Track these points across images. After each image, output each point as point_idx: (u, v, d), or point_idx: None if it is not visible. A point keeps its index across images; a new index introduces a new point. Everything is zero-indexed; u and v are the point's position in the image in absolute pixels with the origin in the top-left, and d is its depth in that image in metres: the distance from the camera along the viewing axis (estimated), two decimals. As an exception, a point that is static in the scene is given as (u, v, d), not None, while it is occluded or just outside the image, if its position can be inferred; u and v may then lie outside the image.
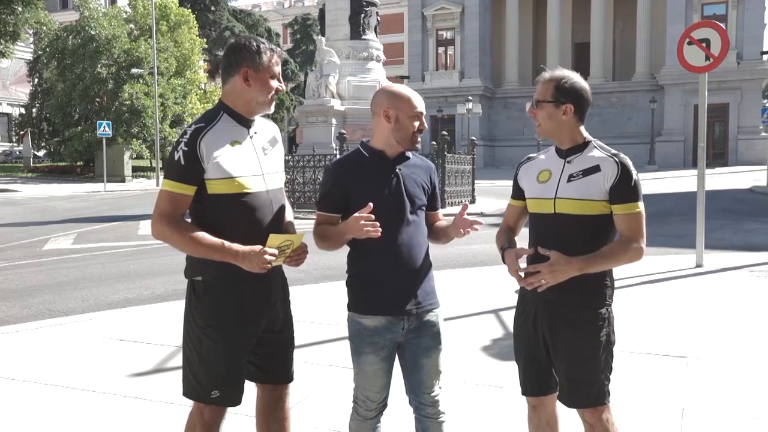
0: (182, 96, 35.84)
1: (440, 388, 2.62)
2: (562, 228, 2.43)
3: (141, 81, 34.03)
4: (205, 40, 41.18)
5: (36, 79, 42.27)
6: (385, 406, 2.63)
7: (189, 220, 2.47)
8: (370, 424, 2.62)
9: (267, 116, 2.67)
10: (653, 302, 6.53)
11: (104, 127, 28.05)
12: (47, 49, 36.71)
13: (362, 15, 19.86)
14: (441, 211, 2.75)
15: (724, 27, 8.86)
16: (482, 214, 15.75)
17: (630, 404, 3.81)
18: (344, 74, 19.44)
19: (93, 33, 34.15)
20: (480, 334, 5.43)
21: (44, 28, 35.85)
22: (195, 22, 38.81)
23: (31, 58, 43.92)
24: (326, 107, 18.85)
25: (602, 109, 40.59)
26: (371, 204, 2.38)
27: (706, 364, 4.63)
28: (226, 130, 2.47)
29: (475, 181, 19.53)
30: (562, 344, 2.46)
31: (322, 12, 21.42)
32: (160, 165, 32.64)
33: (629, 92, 42.18)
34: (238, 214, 2.44)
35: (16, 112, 48.76)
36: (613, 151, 2.47)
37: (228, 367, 2.48)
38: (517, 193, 2.65)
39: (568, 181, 2.45)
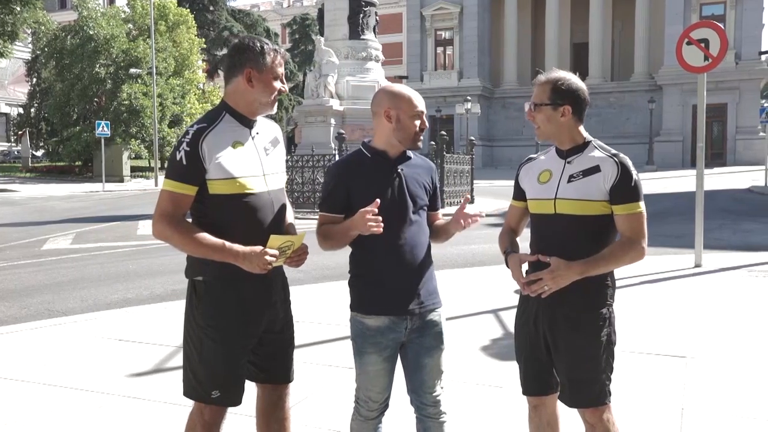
0: (181, 96, 35.84)
1: (442, 388, 2.62)
2: (563, 228, 2.44)
3: (139, 81, 34.02)
4: (203, 40, 41.18)
5: (34, 79, 42.21)
6: (386, 406, 2.63)
7: (190, 219, 2.48)
8: (372, 424, 2.61)
9: (268, 116, 2.67)
10: (652, 302, 6.53)
11: (103, 127, 28.01)
12: (45, 49, 36.67)
13: (361, 15, 19.85)
14: (440, 211, 2.76)
15: (722, 27, 8.86)
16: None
17: (629, 404, 3.81)
18: (343, 74, 19.43)
19: (91, 33, 34.12)
20: (479, 334, 5.43)
21: (42, 27, 35.81)
22: (193, 21, 38.78)
23: (30, 58, 43.87)
24: (325, 107, 18.84)
25: (601, 110, 40.62)
26: (378, 200, 2.39)
27: (706, 363, 4.63)
28: (228, 131, 2.47)
29: (474, 181, 19.55)
30: (563, 344, 2.46)
31: (320, 12, 21.38)
32: (159, 165, 32.63)
33: (628, 92, 42.21)
34: (240, 215, 2.44)
35: (14, 111, 48.69)
36: (613, 151, 2.47)
37: (228, 367, 2.48)
38: (519, 194, 2.65)
39: (569, 181, 2.45)
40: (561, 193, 2.45)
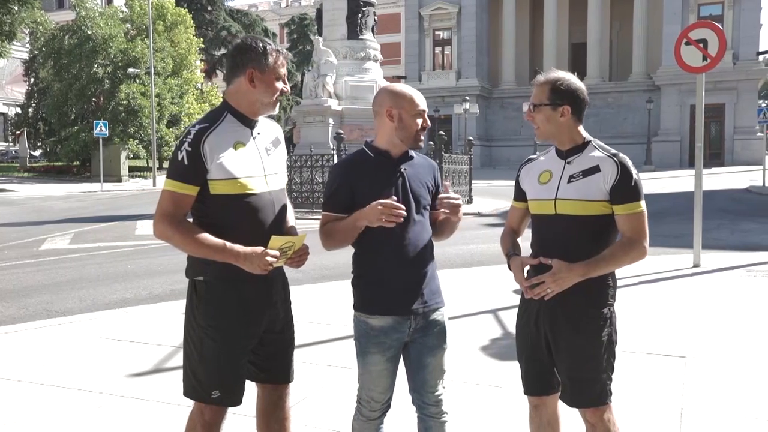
0: (179, 96, 35.78)
1: (444, 387, 2.62)
2: (564, 229, 2.44)
3: (137, 81, 33.95)
4: (201, 39, 41.11)
5: (32, 79, 42.10)
6: (388, 406, 2.63)
7: (191, 219, 2.47)
8: (374, 424, 2.61)
9: (269, 116, 2.67)
10: (651, 302, 6.54)
11: (101, 127, 27.96)
12: (43, 49, 36.56)
13: (359, 15, 19.83)
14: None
15: (721, 27, 8.87)
16: (479, 214, 15.77)
17: (629, 404, 3.81)
18: (341, 74, 19.41)
19: (89, 33, 34.05)
20: (479, 333, 5.43)
21: (40, 27, 35.73)
22: (192, 21, 38.71)
23: (28, 58, 43.76)
24: (323, 107, 18.82)
25: (599, 110, 40.64)
26: (394, 196, 2.40)
27: (705, 363, 4.64)
28: (230, 131, 2.46)
29: (472, 181, 19.57)
30: (564, 344, 2.46)
31: (319, 12, 21.39)
32: (157, 165, 32.59)
33: (626, 92, 42.24)
34: (241, 215, 2.44)
35: (12, 111, 48.59)
36: (613, 151, 2.47)
37: (229, 367, 2.48)
38: (519, 194, 2.66)
39: (569, 181, 2.45)
40: (561, 194, 2.45)
